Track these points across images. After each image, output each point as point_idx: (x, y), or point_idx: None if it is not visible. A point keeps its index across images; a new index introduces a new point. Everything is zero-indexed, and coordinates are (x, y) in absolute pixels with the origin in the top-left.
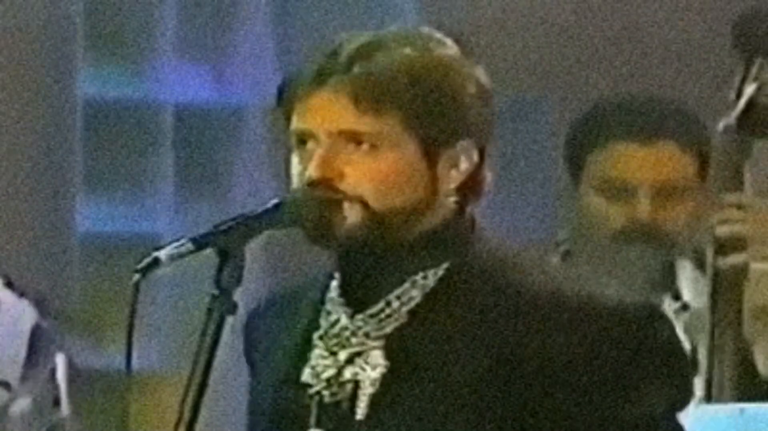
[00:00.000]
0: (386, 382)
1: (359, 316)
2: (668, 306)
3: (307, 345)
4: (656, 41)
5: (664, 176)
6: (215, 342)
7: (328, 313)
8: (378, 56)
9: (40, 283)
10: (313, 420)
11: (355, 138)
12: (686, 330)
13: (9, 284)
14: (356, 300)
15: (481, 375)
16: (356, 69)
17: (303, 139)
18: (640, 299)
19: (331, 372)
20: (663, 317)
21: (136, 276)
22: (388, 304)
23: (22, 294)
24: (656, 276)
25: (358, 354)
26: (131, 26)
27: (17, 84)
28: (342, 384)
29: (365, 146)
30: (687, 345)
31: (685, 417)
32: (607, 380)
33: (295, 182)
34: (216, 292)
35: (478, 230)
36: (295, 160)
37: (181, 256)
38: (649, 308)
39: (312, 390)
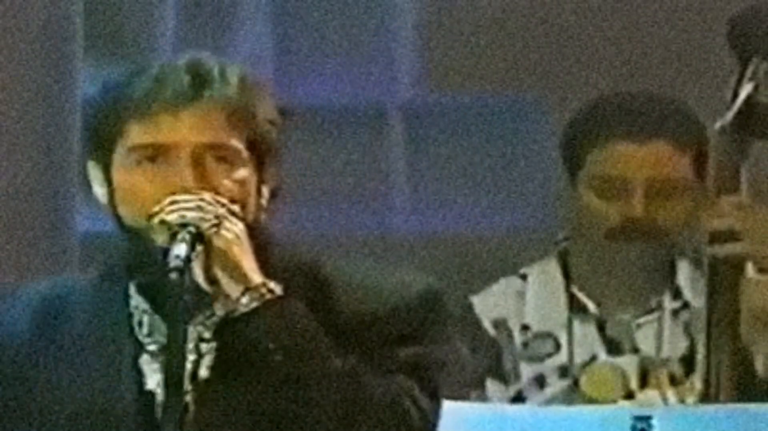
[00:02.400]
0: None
1: None
2: (668, 305)
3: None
4: (655, 41)
5: (659, 174)
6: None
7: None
8: (234, 78)
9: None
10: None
11: (215, 152)
12: (686, 329)
13: None
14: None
15: None
16: (226, 88)
17: (153, 154)
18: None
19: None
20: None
21: (174, 275)
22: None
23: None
24: (654, 274)
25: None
26: (131, 26)
27: (17, 84)
28: None
29: (226, 162)
30: (685, 344)
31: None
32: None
33: (148, 195)
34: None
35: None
36: (139, 175)
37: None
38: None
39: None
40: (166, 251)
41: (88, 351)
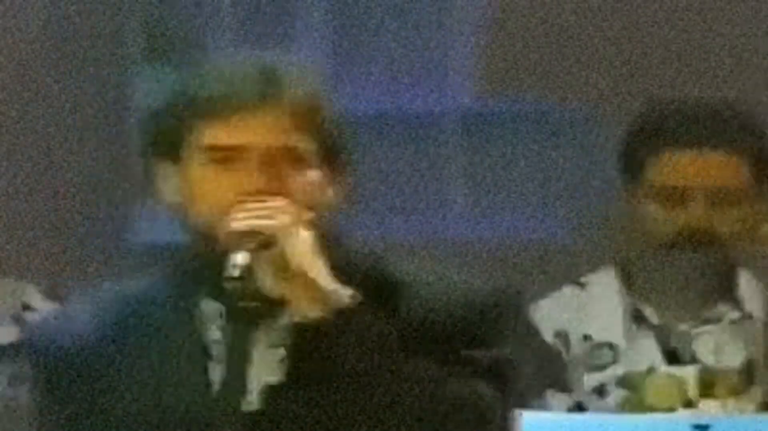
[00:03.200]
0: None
1: None
2: (728, 315)
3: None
4: (713, 48)
5: (719, 182)
6: None
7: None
8: (305, 79)
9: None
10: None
11: (287, 155)
12: (745, 339)
13: (49, 295)
14: None
15: None
16: (298, 89)
17: (226, 155)
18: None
19: None
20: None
21: (231, 285)
22: None
23: (62, 304)
24: (714, 284)
25: None
26: (189, 31)
27: (75, 89)
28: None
29: (298, 164)
30: (744, 354)
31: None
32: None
33: (221, 197)
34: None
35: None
36: (211, 176)
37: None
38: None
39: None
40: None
41: (161, 355)
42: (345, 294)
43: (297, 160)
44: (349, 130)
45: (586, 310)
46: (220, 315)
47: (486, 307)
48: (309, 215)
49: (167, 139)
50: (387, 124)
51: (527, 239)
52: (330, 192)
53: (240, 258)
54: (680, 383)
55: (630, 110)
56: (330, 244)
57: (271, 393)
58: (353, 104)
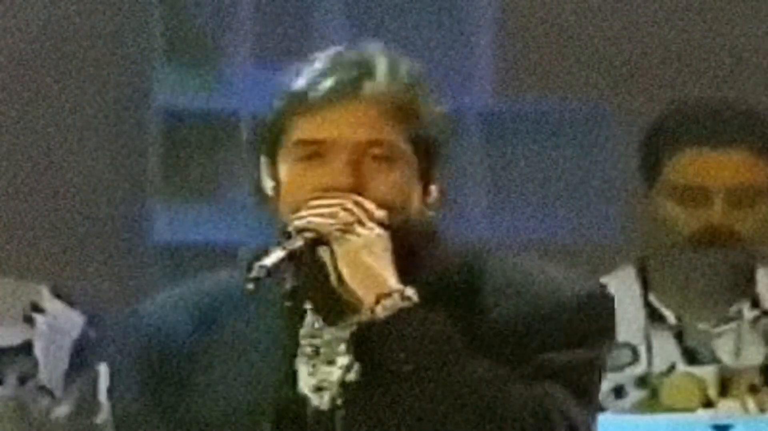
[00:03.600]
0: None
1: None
2: (747, 314)
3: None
4: (733, 47)
5: (739, 181)
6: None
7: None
8: (401, 72)
9: (113, 293)
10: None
11: (375, 150)
12: (765, 338)
13: (58, 295)
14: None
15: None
16: (390, 82)
17: (314, 150)
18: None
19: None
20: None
21: (250, 286)
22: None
23: (70, 304)
24: (733, 283)
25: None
26: (208, 33)
27: (96, 92)
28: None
29: (386, 161)
30: (764, 352)
31: None
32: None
33: (303, 192)
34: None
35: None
36: (298, 170)
37: (278, 265)
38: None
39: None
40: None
41: (247, 349)
42: (408, 295)
43: (387, 157)
44: (451, 131)
45: None
46: (311, 311)
47: (580, 304)
48: (382, 213)
49: (266, 134)
50: None
51: (545, 239)
52: (428, 187)
53: (267, 259)
54: (700, 383)
55: (651, 110)
56: (428, 239)
57: (353, 391)
58: None
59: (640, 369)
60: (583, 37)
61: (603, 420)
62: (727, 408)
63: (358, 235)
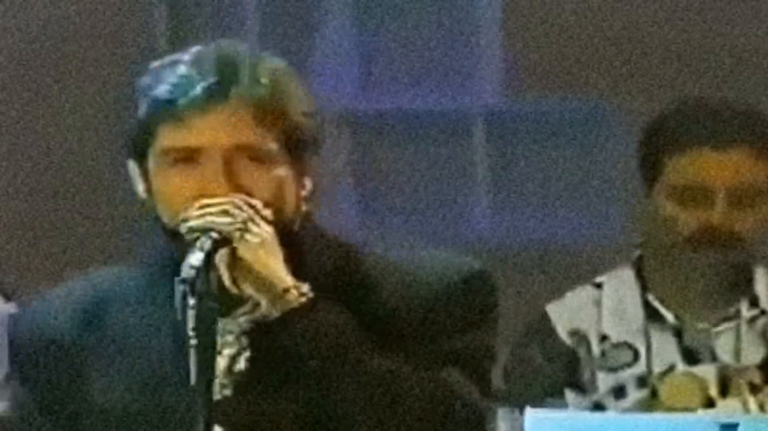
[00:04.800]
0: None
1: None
2: (745, 313)
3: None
4: (737, 47)
5: (740, 181)
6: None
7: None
8: (265, 72)
9: None
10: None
11: (246, 153)
12: (764, 337)
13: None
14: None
15: None
16: (256, 85)
17: (186, 156)
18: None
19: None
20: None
21: (182, 287)
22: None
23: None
24: (732, 282)
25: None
26: (213, 28)
27: (96, 92)
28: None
29: (259, 162)
30: (763, 351)
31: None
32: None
33: (180, 198)
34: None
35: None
36: (172, 177)
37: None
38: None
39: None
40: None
41: (138, 345)
42: (303, 292)
43: (259, 158)
44: (317, 127)
45: (601, 310)
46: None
47: (464, 287)
48: (268, 212)
49: (134, 141)
50: (411, 123)
51: (544, 239)
52: (303, 182)
53: (194, 259)
54: (700, 382)
55: (653, 110)
56: (308, 234)
57: (243, 379)
58: (378, 103)
59: (639, 369)
60: (586, 37)
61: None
62: (728, 408)
63: (254, 234)
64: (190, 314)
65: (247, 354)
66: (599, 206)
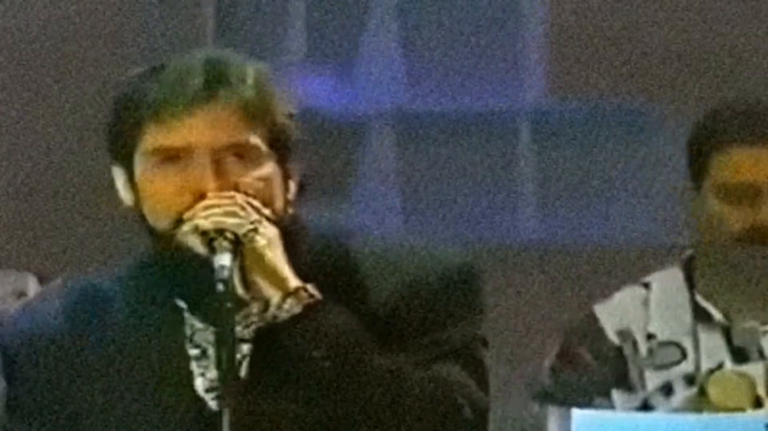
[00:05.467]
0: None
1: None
2: None
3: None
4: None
5: None
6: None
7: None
8: (251, 75)
9: None
10: None
11: (236, 152)
12: None
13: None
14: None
15: None
16: (241, 86)
17: (174, 155)
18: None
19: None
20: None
21: (221, 287)
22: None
23: None
24: None
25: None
26: (262, 29)
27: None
28: None
29: (247, 160)
30: None
31: None
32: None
33: (168, 198)
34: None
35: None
36: (160, 177)
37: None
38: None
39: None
40: (205, 259)
41: (129, 349)
42: (311, 293)
43: (247, 157)
44: (301, 125)
45: (649, 309)
46: (190, 313)
47: (452, 279)
48: (268, 212)
49: (119, 144)
50: (456, 123)
51: (595, 239)
52: (287, 182)
53: (224, 260)
54: (749, 381)
55: (701, 109)
56: (294, 234)
57: (243, 387)
58: (423, 104)
59: (687, 367)
60: (631, 37)
61: (658, 419)
62: None
63: (262, 234)
64: (229, 315)
65: (246, 361)
66: (644, 207)
